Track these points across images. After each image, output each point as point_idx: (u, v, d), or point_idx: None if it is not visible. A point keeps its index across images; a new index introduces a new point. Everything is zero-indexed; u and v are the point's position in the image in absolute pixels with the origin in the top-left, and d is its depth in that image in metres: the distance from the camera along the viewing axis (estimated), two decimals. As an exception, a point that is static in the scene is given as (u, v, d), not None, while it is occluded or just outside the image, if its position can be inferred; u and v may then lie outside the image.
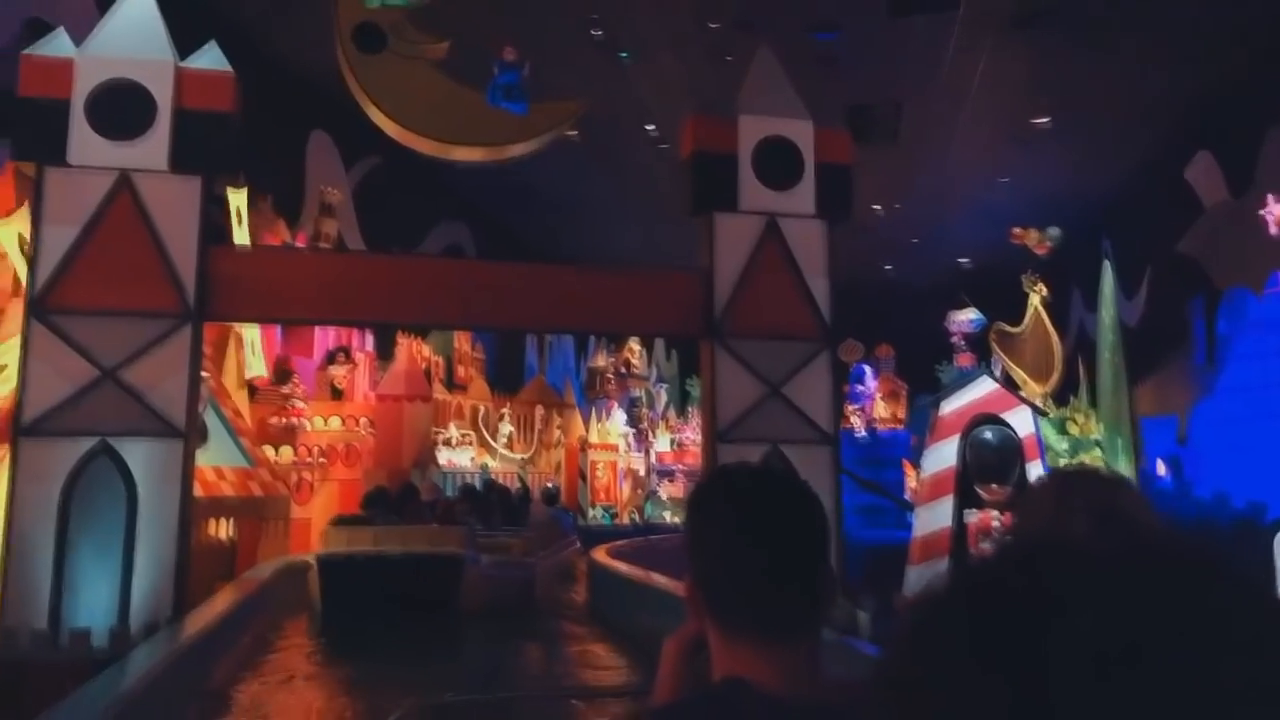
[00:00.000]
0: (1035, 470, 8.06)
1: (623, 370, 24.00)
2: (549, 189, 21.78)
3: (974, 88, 17.74)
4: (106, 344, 7.70)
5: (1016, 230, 19.75)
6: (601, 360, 23.61)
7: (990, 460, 7.84)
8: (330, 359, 15.24)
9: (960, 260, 26.47)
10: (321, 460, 13.93)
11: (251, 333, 13.84)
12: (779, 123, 8.94)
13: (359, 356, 16.21)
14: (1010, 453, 7.84)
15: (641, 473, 22.58)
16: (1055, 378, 21.44)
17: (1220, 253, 17.47)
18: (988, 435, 7.89)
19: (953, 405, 8.22)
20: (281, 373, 14.76)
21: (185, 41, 8.30)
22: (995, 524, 7.80)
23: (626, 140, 20.28)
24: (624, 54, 17.17)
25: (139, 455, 7.66)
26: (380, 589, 8.98)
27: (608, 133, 19.84)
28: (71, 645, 7.19)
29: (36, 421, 7.56)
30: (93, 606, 7.51)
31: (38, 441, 7.55)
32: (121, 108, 7.81)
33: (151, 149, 7.88)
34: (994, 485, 7.82)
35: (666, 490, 22.15)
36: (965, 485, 8.02)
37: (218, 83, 8.10)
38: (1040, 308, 21.37)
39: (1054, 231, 19.32)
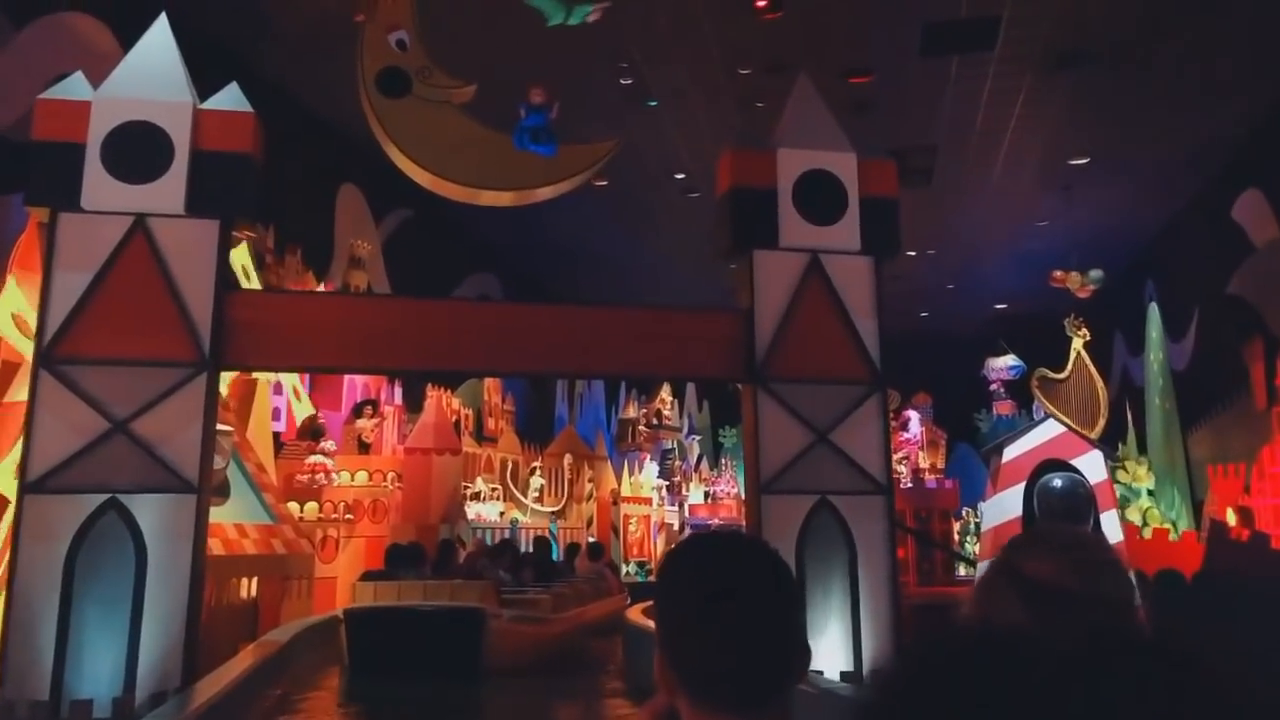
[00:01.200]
0: (1110, 521, 7.38)
1: (654, 421, 23.42)
2: (578, 241, 21.46)
3: (1010, 129, 17.27)
4: (118, 394, 7.26)
5: (1057, 274, 19.08)
6: (632, 411, 23.06)
7: (1060, 510, 7.17)
8: (357, 412, 14.80)
9: (998, 306, 25.80)
10: (348, 516, 13.41)
11: (292, 379, 13.49)
12: (820, 155, 8.46)
13: (387, 409, 15.76)
14: (1082, 501, 7.17)
15: (675, 526, 21.87)
16: (1101, 424, 20.59)
17: (1273, 293, 16.71)
18: (1056, 483, 7.24)
19: (1017, 451, 7.58)
20: (313, 429, 14.33)
21: (214, 93, 7.99)
22: (1069, 580, 7.11)
23: (655, 189, 19.95)
24: (651, 102, 16.87)
25: (149, 512, 7.17)
26: (402, 642, 8.94)
27: (637, 182, 19.53)
28: (72, 717, 6.64)
29: (43, 478, 7.10)
30: (97, 675, 6.96)
31: (44, 499, 7.09)
32: (138, 150, 7.46)
33: (168, 192, 7.51)
34: (1065, 537, 7.15)
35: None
36: (1033, 538, 7.35)
37: (237, 123, 7.75)
38: (1083, 352, 20.60)
39: (1096, 274, 18.64)
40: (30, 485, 7.07)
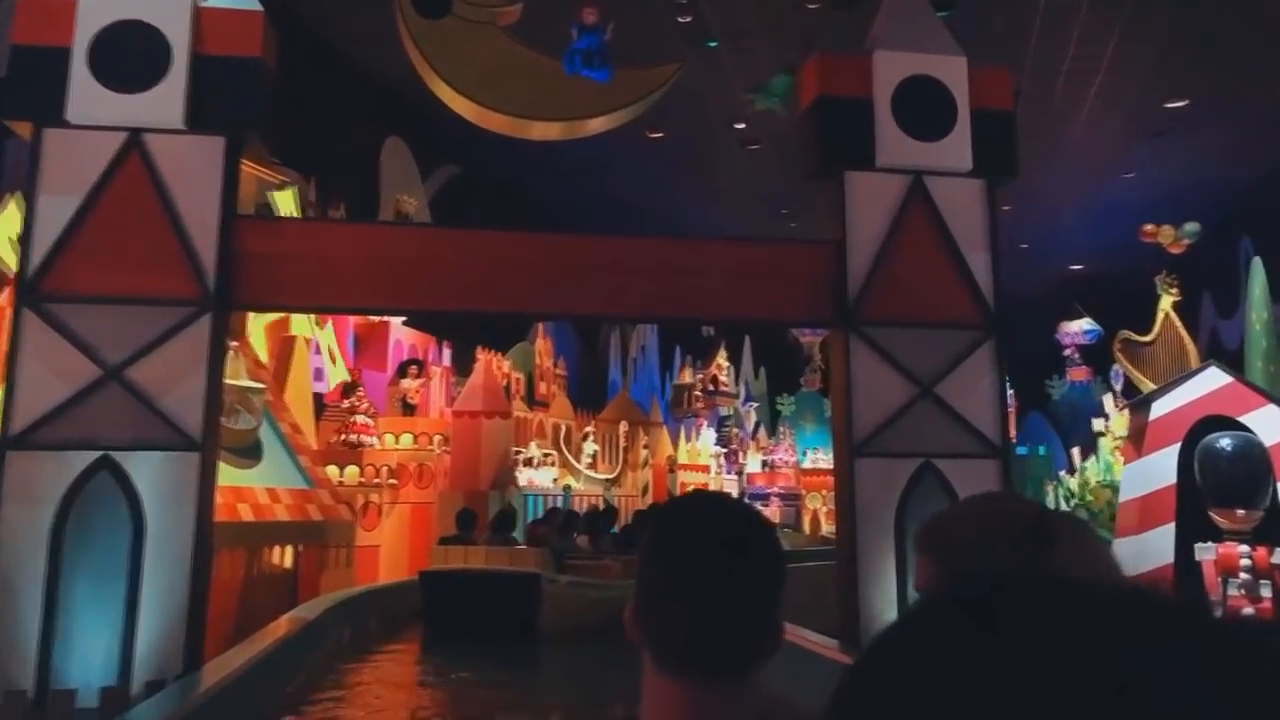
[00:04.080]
0: (1291, 490, 5.93)
1: (710, 387, 22.08)
2: (634, 197, 20.11)
3: (1102, 69, 15.51)
4: (111, 337, 6.14)
5: (1148, 228, 17.29)
6: (688, 376, 21.73)
7: (1230, 476, 5.73)
8: (401, 372, 13.68)
9: (1073, 267, 23.97)
10: (391, 481, 12.31)
11: (328, 339, 12.39)
12: (924, 59, 7.01)
13: (434, 370, 14.64)
14: (1258, 466, 5.72)
15: (735, 495, 20.56)
16: (1190, 390, 18.81)
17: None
18: (1225, 444, 5.78)
19: (1170, 405, 6.13)
20: (347, 385, 13.24)
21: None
22: (1244, 561, 5.68)
23: (714, 141, 18.49)
24: (711, 42, 15.40)
25: (147, 472, 6.04)
26: (467, 602, 9.31)
27: (695, 132, 18.08)
28: (53, 709, 5.57)
29: (26, 432, 6.00)
30: (88, 660, 5.88)
31: (27, 456, 5.99)
32: (130, 54, 6.27)
33: (165, 102, 6.32)
34: (1239, 510, 5.70)
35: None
36: (1192, 510, 5.92)
37: (244, 23, 6.52)
38: (1172, 312, 18.77)
39: (1192, 227, 16.83)
40: (11, 440, 5.98)
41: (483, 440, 13.98)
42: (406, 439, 12.82)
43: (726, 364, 23.02)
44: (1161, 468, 6.06)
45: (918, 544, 1.46)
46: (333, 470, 11.69)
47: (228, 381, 9.72)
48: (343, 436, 12.11)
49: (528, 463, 15.10)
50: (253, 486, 9.66)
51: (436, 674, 8.62)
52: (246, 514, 9.39)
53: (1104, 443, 21.29)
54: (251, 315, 11.60)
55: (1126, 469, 6.63)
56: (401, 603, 10.45)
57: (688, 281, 6.82)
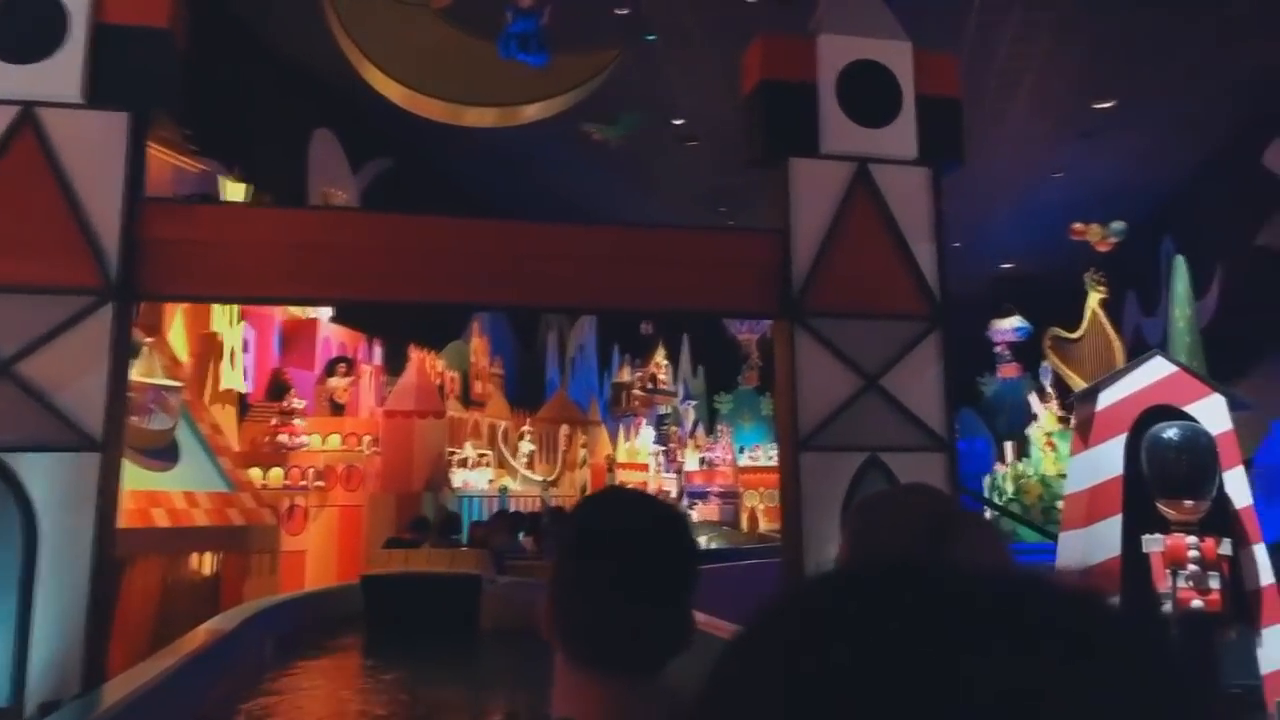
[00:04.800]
0: (1237, 480, 5.85)
1: (649, 386, 21.82)
2: (571, 192, 19.74)
3: (1034, 68, 15.62)
4: (1, 329, 5.61)
5: (1077, 226, 17.54)
6: (626, 375, 21.45)
7: (1177, 467, 5.61)
8: (329, 370, 13.13)
9: (1004, 265, 24.26)
10: (318, 484, 11.77)
11: (233, 340, 11.76)
12: (869, 44, 6.81)
13: (364, 369, 14.10)
14: (1204, 456, 5.62)
15: (673, 494, 20.34)
16: (1117, 386, 19.11)
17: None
18: (1171, 434, 5.66)
19: (1117, 395, 6.01)
20: (278, 386, 12.65)
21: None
22: (1192, 552, 5.57)
23: (652, 136, 18.22)
24: (650, 36, 15.13)
25: (40, 475, 5.52)
26: (409, 603, 9.26)
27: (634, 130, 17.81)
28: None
29: (-96, 432, 5.45)
30: (-26, 680, 5.36)
31: (-96, 458, 5.44)
32: (22, 20, 5.75)
33: (62, 75, 5.80)
34: (1186, 501, 5.60)
35: (700, 512, 19.89)
36: (1139, 501, 5.80)
37: (150, -11, 6.03)
38: (1099, 310, 19.07)
39: (1118, 226, 17.13)
40: (-113, 442, 5.42)
41: (415, 441, 13.50)
42: (334, 440, 12.29)
43: (665, 362, 22.80)
44: (1109, 459, 5.94)
45: (842, 524, 1.53)
46: (256, 473, 11.13)
47: (141, 379, 9.17)
48: (271, 438, 11.54)
49: (462, 463, 14.66)
50: (168, 490, 9.09)
51: (372, 677, 8.40)
52: (161, 519, 8.83)
53: (1034, 438, 21.61)
54: (172, 312, 10.99)
55: (1073, 461, 6.51)
56: (335, 609, 10.15)
57: (630, 271, 6.52)
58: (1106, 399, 6.04)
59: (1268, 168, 16.51)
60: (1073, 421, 6.54)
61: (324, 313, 14.49)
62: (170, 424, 9.42)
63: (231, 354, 11.47)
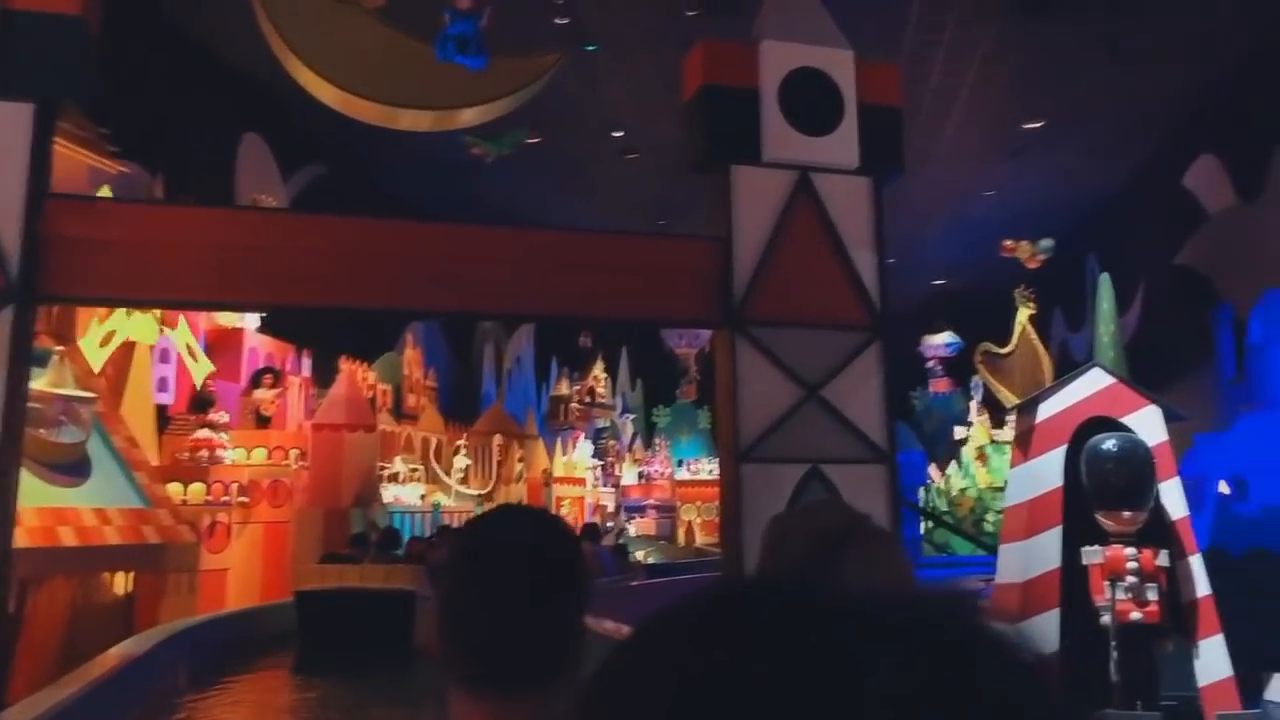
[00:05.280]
0: (1172, 491, 5.85)
1: (587, 399, 21.60)
2: (508, 203, 19.47)
3: (967, 85, 15.87)
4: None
5: (1008, 243, 17.86)
6: (565, 388, 21.19)
7: (1116, 479, 5.59)
8: (255, 381, 12.65)
9: (936, 281, 24.62)
10: (242, 499, 11.29)
11: (186, 336, 11.30)
12: (811, 51, 6.73)
13: (292, 380, 13.63)
14: (1142, 467, 5.60)
15: (610, 508, 20.12)
16: (1045, 400, 19.44)
17: (1230, 261, 15.69)
18: (1110, 445, 5.64)
19: (1056, 406, 5.98)
20: (201, 398, 12.13)
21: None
22: (1131, 564, 5.54)
23: (592, 147, 18.08)
24: (590, 46, 15.00)
25: (-71, 490, 5.11)
26: (343, 620, 9.22)
27: (572, 138, 17.64)
28: None
29: None
30: None
31: None
32: (-83, 3, 5.36)
33: (-40, 61, 5.42)
34: (1125, 512, 5.57)
35: (637, 527, 19.69)
36: (1077, 513, 5.77)
37: (59, -26, 5.66)
38: (1028, 325, 19.43)
39: (1046, 243, 17.48)
40: None
41: (345, 455, 13.10)
42: (259, 453, 11.82)
43: (603, 375, 22.61)
44: (1048, 470, 5.90)
45: (762, 536, 1.55)
46: (175, 488, 10.62)
47: (50, 390, 8.67)
48: (191, 453, 11.03)
49: (393, 478, 14.25)
50: (77, 507, 8.59)
51: (301, 696, 8.22)
52: (69, 538, 8.32)
53: (966, 451, 21.90)
54: (86, 320, 10.47)
55: (1012, 473, 6.47)
56: (264, 627, 9.93)
57: (568, 276, 6.30)
58: (1046, 410, 6.01)
59: (1188, 189, 16.99)
60: (1013, 434, 6.51)
61: (251, 322, 14.00)
62: (81, 437, 8.92)
63: (190, 350, 11.02)
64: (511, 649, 1.10)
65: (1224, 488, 10.40)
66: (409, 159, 16.91)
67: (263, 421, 12.40)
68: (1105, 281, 18.63)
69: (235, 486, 11.19)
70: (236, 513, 11.20)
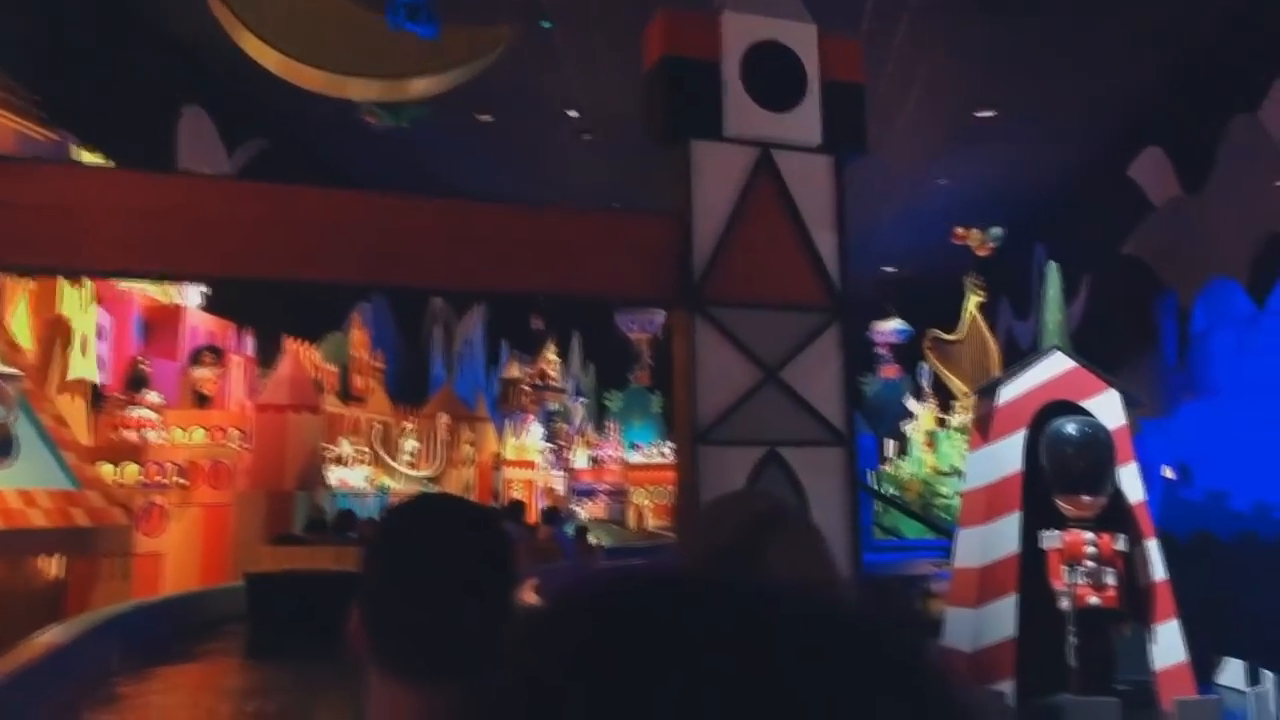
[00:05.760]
0: (1130, 476, 5.81)
1: (539, 382, 21.31)
2: (459, 183, 19.07)
3: (923, 76, 15.83)
4: None
5: (959, 230, 17.94)
6: (516, 371, 20.87)
7: (1076, 463, 5.53)
8: (195, 359, 12.18)
9: (886, 269, 24.71)
10: (179, 481, 10.86)
11: (86, 326, 10.75)
12: (774, 24, 6.54)
13: (234, 359, 13.17)
14: (1102, 451, 5.55)
15: (560, 492, 19.90)
16: (993, 387, 19.64)
17: (1173, 252, 15.91)
18: (1071, 430, 5.57)
19: (1017, 390, 5.90)
20: (136, 376, 11.65)
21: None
22: (1089, 548, 5.48)
23: (546, 128, 17.74)
24: (546, 23, 14.65)
25: None
26: (292, 603, 8.82)
27: (525, 117, 17.28)
28: None
29: None
30: None
31: None
32: None
33: None
34: (1085, 496, 5.51)
35: (588, 511, 19.50)
36: (1037, 497, 5.70)
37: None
38: (977, 313, 19.57)
39: (997, 231, 17.59)
40: None
41: (289, 436, 12.70)
42: (199, 434, 11.39)
43: (555, 358, 22.32)
44: (1009, 454, 5.83)
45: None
46: (107, 469, 10.17)
47: (-29, 366, 8.21)
48: (121, 432, 10.58)
49: (339, 461, 13.87)
50: (1, 489, 8.14)
51: (244, 682, 8.02)
52: (-13, 520, 7.89)
53: (913, 437, 22.06)
54: (14, 293, 9.96)
55: (971, 457, 6.39)
56: (210, 611, 9.58)
57: (521, 252, 6.06)
58: (1007, 394, 5.93)
59: (1134, 180, 17.19)
60: (970, 417, 6.43)
61: (191, 299, 13.50)
62: (6, 416, 8.46)
63: (83, 341, 10.46)
64: (444, 637, 1.08)
65: (1168, 473, 10.50)
66: (358, 136, 16.41)
67: (202, 401, 11.95)
68: (1054, 270, 18.79)
69: (173, 468, 10.75)
70: (174, 495, 10.78)
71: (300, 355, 14.33)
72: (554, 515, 13.13)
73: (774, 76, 6.43)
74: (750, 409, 6.31)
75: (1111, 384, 5.90)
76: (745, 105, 6.41)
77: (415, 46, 8.44)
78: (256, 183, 6.68)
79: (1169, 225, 16.05)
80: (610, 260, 6.26)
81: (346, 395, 16.40)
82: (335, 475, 13.51)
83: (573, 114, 17.12)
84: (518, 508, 12.17)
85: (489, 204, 6.30)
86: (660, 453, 21.01)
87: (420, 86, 8.62)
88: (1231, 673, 6.06)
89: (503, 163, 18.79)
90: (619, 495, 20.99)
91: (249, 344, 14.54)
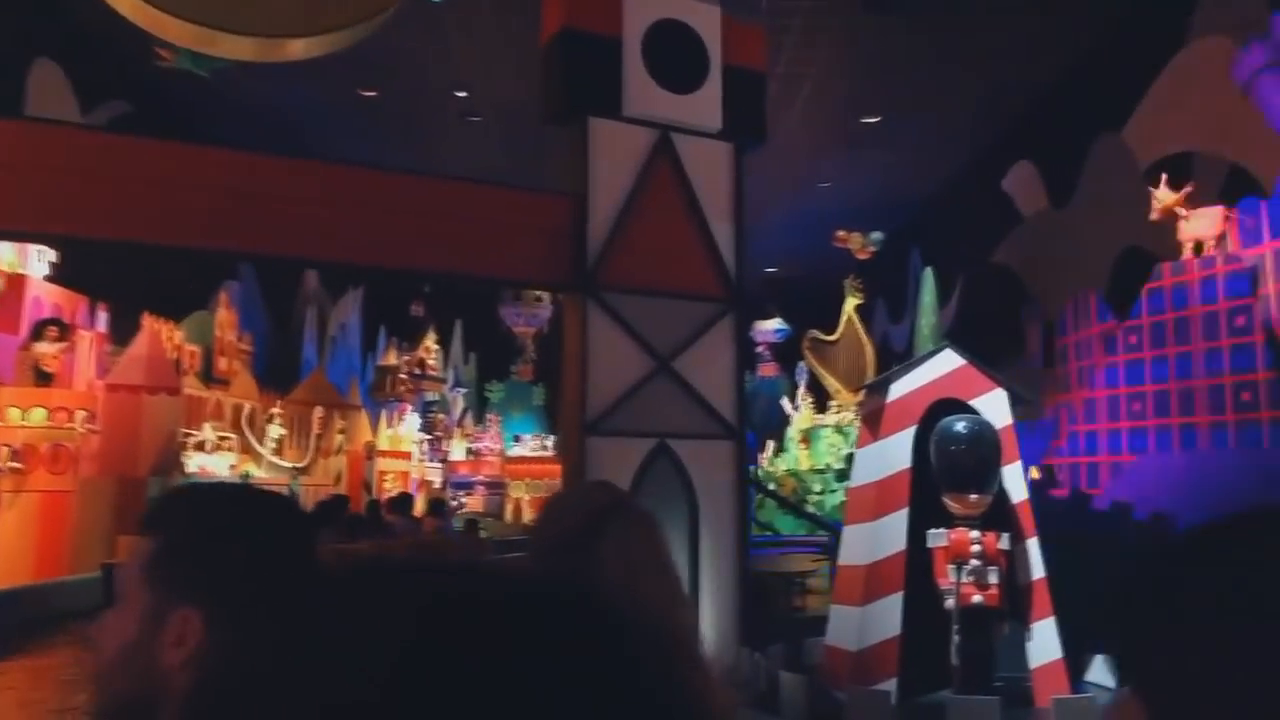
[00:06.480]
0: (1014, 475, 5.82)
1: (417, 371, 20.59)
2: (338, 158, 18.20)
3: (812, 78, 15.96)
4: None
5: (841, 233, 18.19)
6: (393, 358, 20.09)
7: (965, 461, 5.49)
8: (36, 333, 11.13)
9: (767, 269, 24.97)
10: (14, 465, 9.88)
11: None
12: (677, 3, 6.31)
13: (82, 335, 12.11)
14: (990, 450, 5.53)
15: (436, 484, 19.27)
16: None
17: (1040, 262, 16.53)
18: (961, 428, 5.54)
19: (907, 387, 5.83)
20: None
21: None
22: (975, 547, 5.46)
23: (433, 108, 17.10)
24: (435, -2, 14.05)
25: None
26: None
27: (411, 96, 16.61)
28: None
29: None
30: None
31: None
32: None
33: None
34: (972, 494, 5.48)
35: (465, 503, 18.95)
36: (923, 495, 5.65)
37: None
38: (854, 315, 19.94)
39: (876, 236, 17.92)
40: None
41: (144, 419, 11.79)
42: (38, 414, 10.39)
43: (435, 347, 21.62)
44: (898, 451, 5.76)
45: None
46: (-71, 451, 9.15)
47: None
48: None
49: (199, 446, 12.97)
50: None
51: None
52: None
53: (790, 434, 22.35)
54: None
55: (860, 453, 6.31)
56: (53, 605, 8.62)
57: (408, 224, 5.64)
58: (897, 390, 5.86)
59: (1005, 191, 17.79)
60: (861, 413, 6.37)
61: (37, 269, 12.36)
62: None
63: None
64: None
65: (1035, 473, 10.82)
66: (228, 104, 15.44)
67: (44, 379, 10.92)
68: (929, 275, 19.36)
69: (6, 450, 9.77)
70: (7, 480, 9.80)
71: (159, 333, 13.34)
72: (439, 508, 12.63)
73: (676, 57, 6.21)
74: (641, 399, 6.08)
75: (999, 383, 5.91)
76: (646, 84, 6.16)
77: (295, 6, 7.85)
78: (109, 133, 6.03)
79: (1037, 236, 16.66)
80: (501, 238, 5.91)
81: (210, 378, 15.39)
82: (195, 462, 12.62)
83: (461, 94, 16.53)
84: (405, 500, 11.60)
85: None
86: (542, 446, 20.63)
87: (296, 48, 8.01)
88: (1099, 670, 6.17)
89: (386, 142, 18.01)
90: (497, 488, 20.48)
91: (102, 319, 13.43)
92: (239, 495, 1.19)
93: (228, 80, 12.37)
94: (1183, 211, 10.81)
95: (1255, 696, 0.56)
